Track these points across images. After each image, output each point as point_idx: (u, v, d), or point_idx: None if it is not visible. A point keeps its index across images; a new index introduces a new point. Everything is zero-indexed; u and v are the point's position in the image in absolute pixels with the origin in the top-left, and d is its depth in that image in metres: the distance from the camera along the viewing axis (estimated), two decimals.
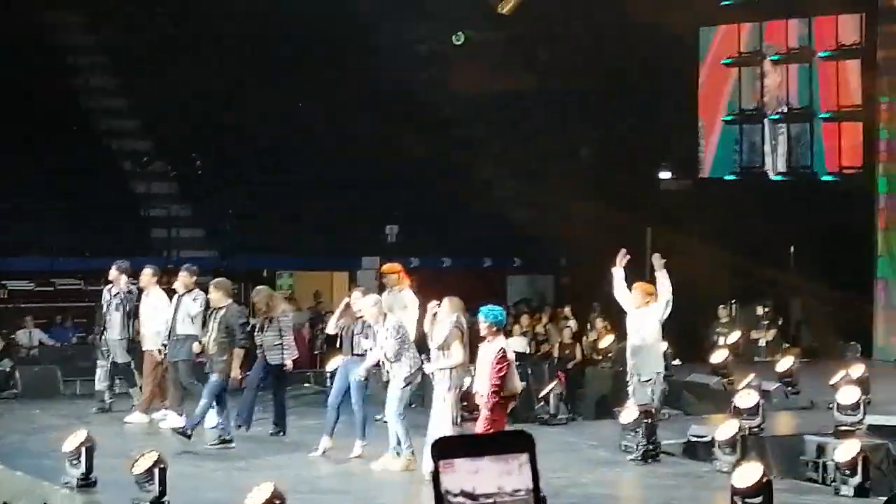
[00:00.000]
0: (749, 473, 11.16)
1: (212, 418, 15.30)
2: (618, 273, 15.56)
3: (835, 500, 12.69)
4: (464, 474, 2.98)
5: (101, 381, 17.64)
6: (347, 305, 14.85)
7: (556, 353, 23.31)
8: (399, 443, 13.66)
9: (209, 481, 13.44)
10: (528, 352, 22.70)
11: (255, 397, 15.94)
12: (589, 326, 24.55)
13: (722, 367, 19.47)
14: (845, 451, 12.81)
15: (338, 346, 15.32)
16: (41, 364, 21.47)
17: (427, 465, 12.60)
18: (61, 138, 28.82)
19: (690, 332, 23.78)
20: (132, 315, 17.06)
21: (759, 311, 25.33)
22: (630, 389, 15.61)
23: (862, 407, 15.27)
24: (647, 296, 15.39)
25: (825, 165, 27.85)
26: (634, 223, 26.63)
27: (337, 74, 32.04)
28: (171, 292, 16.54)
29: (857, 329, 25.26)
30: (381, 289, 16.27)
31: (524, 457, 3.03)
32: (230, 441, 15.03)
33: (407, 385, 13.60)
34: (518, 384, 12.86)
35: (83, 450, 12.50)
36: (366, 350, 14.27)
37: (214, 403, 15.02)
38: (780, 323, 25.85)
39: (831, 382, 17.33)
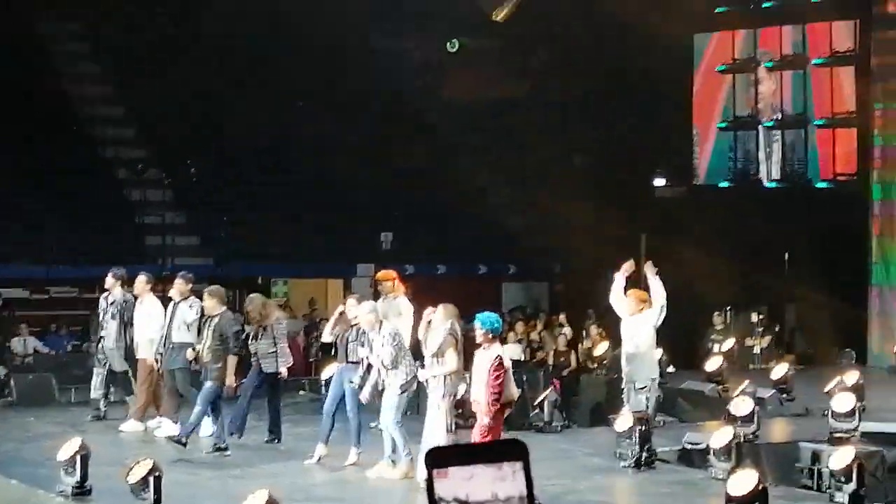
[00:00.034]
0: (744, 481, 11.19)
1: (207, 426, 15.30)
2: (619, 279, 15.59)
3: None
4: (457, 481, 2.97)
5: (96, 389, 17.58)
6: (342, 313, 14.86)
7: (550, 361, 23.31)
8: (394, 450, 13.66)
9: (204, 489, 13.43)
10: (522, 359, 22.71)
11: (248, 405, 15.91)
12: (584, 334, 24.54)
13: (717, 375, 19.44)
14: (840, 458, 12.82)
15: (333, 353, 15.33)
16: (36, 372, 21.46)
17: (421, 472, 12.59)
18: (56, 146, 28.80)
19: (685, 339, 23.75)
20: (129, 323, 17.02)
21: (754, 318, 25.29)
22: (625, 397, 15.64)
23: (857, 414, 15.30)
24: (640, 302, 15.41)
25: (819, 172, 27.87)
26: (629, 230, 26.63)
27: (332, 82, 32.05)
28: (166, 300, 16.52)
29: (851, 336, 25.24)
30: (375, 296, 16.29)
31: (518, 464, 3.02)
32: (225, 449, 15.02)
33: (403, 392, 13.60)
34: (514, 391, 12.87)
35: (78, 458, 12.48)
36: (361, 357, 14.27)
37: (209, 411, 15.02)
38: (775, 330, 25.82)
39: (826, 389, 17.33)
